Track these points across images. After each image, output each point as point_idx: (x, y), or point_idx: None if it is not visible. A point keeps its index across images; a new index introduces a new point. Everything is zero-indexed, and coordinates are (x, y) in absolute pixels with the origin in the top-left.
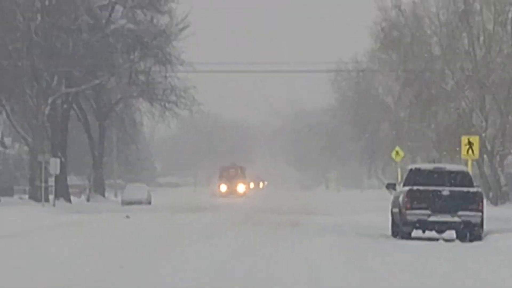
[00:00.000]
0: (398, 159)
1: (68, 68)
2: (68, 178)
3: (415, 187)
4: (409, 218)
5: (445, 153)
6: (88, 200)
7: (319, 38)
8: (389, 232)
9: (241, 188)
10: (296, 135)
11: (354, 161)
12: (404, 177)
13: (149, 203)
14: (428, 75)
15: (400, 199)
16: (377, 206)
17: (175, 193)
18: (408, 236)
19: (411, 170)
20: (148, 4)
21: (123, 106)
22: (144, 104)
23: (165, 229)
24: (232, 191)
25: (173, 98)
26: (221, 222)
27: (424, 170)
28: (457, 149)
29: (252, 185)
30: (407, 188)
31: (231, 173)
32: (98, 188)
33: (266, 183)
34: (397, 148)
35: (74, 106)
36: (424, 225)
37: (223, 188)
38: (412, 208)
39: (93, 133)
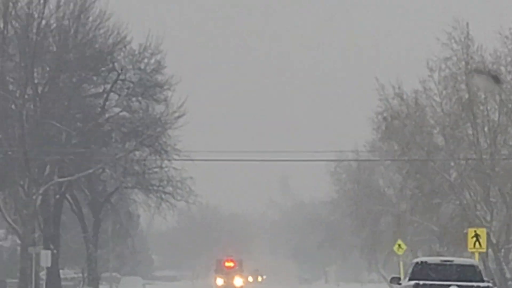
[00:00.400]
0: (400, 252)
1: (61, 157)
2: (62, 271)
3: (421, 282)
4: None
5: (446, 247)
6: None
7: (318, 128)
8: None
9: (238, 282)
10: (295, 228)
11: (354, 255)
12: (409, 271)
13: None
14: (431, 166)
15: None
16: None
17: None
18: None
19: (417, 263)
20: (144, 92)
21: (118, 198)
22: (139, 195)
23: None
24: (228, 285)
25: (169, 189)
26: None
27: (431, 264)
28: (462, 242)
29: (250, 278)
30: (412, 283)
31: (228, 266)
32: (92, 281)
33: (264, 277)
34: (399, 242)
35: (68, 196)
36: None
37: (220, 282)
38: None
39: (87, 224)
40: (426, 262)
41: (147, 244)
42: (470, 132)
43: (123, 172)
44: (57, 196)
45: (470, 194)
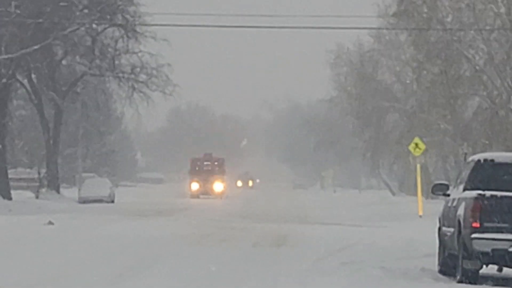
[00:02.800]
0: (417, 153)
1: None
2: (14, 170)
3: (488, 193)
4: (477, 245)
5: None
6: (37, 197)
7: (316, 17)
8: (435, 266)
9: (218, 187)
10: (291, 130)
11: (354, 158)
12: (466, 174)
13: (112, 201)
14: (455, 48)
15: (461, 212)
16: (385, 212)
17: (152, 190)
18: (475, 276)
19: (478, 163)
20: None
21: (84, 86)
22: (110, 85)
23: (85, 249)
24: (206, 190)
25: (143, 77)
26: (174, 236)
27: (502, 164)
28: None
29: (239, 183)
30: (474, 193)
31: (205, 167)
32: (52, 182)
33: (258, 181)
34: (417, 140)
35: (26, 83)
36: (503, 258)
37: (195, 186)
38: (483, 229)
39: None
40: (493, 162)
41: (132, 144)
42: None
43: (91, 57)
44: (3, 80)
45: (503, 84)
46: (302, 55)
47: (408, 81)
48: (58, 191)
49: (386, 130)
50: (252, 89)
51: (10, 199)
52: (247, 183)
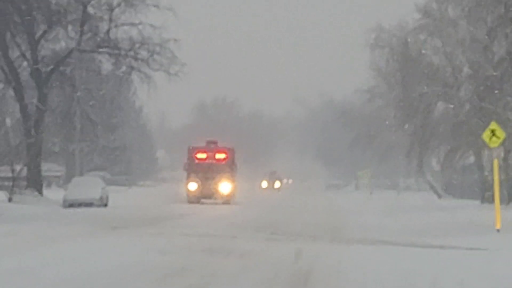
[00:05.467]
0: (494, 143)
1: None
2: None
3: None
4: None
5: None
6: (9, 200)
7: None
8: None
9: (225, 187)
10: (324, 127)
11: (393, 156)
12: None
13: (104, 204)
14: None
15: None
16: (443, 221)
17: (163, 191)
18: None
19: None
20: None
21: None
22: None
23: None
24: (209, 193)
25: (143, 54)
26: (121, 273)
27: None
28: None
29: (265, 184)
30: None
31: (208, 161)
32: (34, 182)
33: (290, 181)
34: (494, 125)
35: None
36: None
37: (193, 186)
38: None
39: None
40: None
41: (152, 141)
42: None
43: (81, 29)
44: None
45: None
46: (337, 45)
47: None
48: (40, 193)
49: (435, 121)
50: (283, 84)
51: None
52: (273, 184)
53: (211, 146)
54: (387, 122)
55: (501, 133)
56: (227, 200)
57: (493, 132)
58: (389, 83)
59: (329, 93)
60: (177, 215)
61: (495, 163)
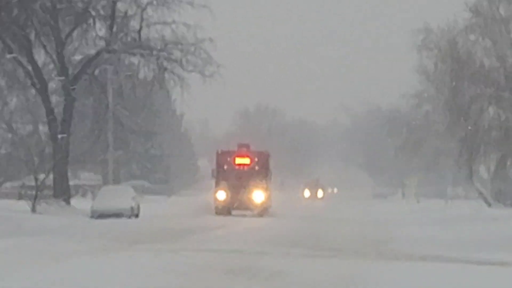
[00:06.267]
0: None
1: None
2: None
3: None
4: None
5: None
6: (33, 210)
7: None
8: None
9: (258, 197)
10: (370, 134)
11: (440, 163)
12: None
13: (136, 215)
14: None
15: None
16: (501, 234)
17: (202, 200)
18: None
19: None
20: None
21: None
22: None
23: None
24: (240, 203)
25: (177, 54)
26: None
27: None
28: None
29: (307, 193)
30: None
31: (239, 167)
32: (60, 191)
33: (336, 190)
34: None
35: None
36: None
37: (221, 196)
38: None
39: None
40: None
41: (193, 149)
42: None
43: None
44: None
45: None
46: (383, 49)
47: None
48: (68, 202)
49: (486, 126)
50: (327, 91)
51: None
52: (316, 193)
53: (243, 150)
54: (435, 128)
55: None
56: (261, 211)
57: None
58: (438, 87)
59: (375, 100)
60: (206, 227)
61: None
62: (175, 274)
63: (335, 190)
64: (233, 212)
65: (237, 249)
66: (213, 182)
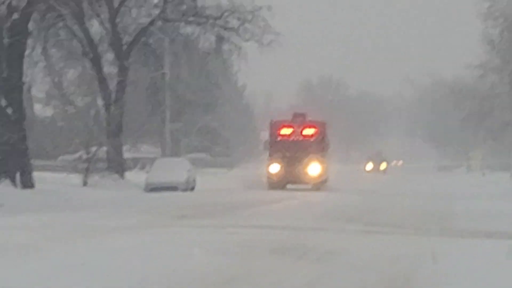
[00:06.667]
0: None
1: None
2: None
3: None
4: None
5: None
6: (84, 183)
7: None
8: None
9: (313, 169)
10: (435, 107)
11: (508, 134)
12: None
13: (191, 188)
14: None
15: None
16: None
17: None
18: None
19: None
20: None
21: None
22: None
23: None
24: (295, 176)
25: (234, 22)
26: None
27: None
28: None
29: (369, 166)
30: None
31: (294, 138)
32: (114, 164)
33: (400, 162)
34: None
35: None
36: None
37: (274, 169)
38: None
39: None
40: None
41: (255, 122)
42: None
43: None
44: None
45: None
46: (446, 18)
47: None
48: (122, 176)
49: None
50: (391, 63)
51: (31, 187)
52: (379, 165)
53: (298, 120)
54: (501, 99)
55: None
56: (317, 185)
57: None
58: (503, 57)
59: (439, 71)
60: (259, 202)
61: None
62: (215, 253)
63: (400, 162)
64: (288, 186)
65: (288, 225)
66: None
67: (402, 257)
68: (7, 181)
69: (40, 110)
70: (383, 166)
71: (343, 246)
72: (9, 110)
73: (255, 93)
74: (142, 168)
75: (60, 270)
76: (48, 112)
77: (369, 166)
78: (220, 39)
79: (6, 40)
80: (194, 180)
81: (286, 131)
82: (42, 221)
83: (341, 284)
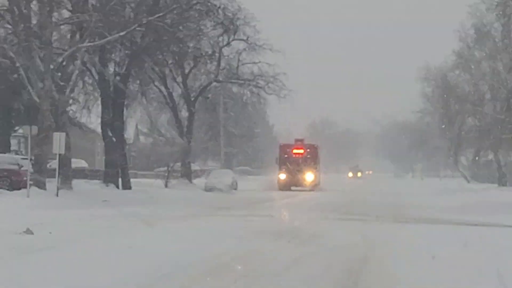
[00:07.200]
0: None
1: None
2: None
3: None
4: None
5: None
6: (166, 185)
7: (407, 45)
8: None
9: (309, 177)
10: (392, 136)
11: (436, 155)
12: None
13: (234, 188)
14: None
15: None
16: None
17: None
18: None
19: None
20: None
21: (213, 91)
22: (232, 89)
23: None
24: (296, 181)
25: (261, 83)
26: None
27: None
28: None
29: (350, 174)
30: None
31: (295, 155)
32: (185, 173)
33: (370, 172)
34: None
35: (164, 90)
36: None
37: (282, 176)
38: None
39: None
40: None
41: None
42: None
43: (217, 65)
44: (118, 78)
45: None
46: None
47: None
48: (190, 181)
49: (466, 130)
50: (365, 109)
51: (129, 188)
52: (357, 174)
53: (298, 144)
54: (432, 132)
55: None
56: (312, 187)
57: None
58: (434, 106)
59: (395, 114)
60: (273, 198)
61: None
62: (231, 237)
63: (370, 172)
64: (292, 188)
65: (289, 214)
66: (277, 167)
67: (365, 238)
68: (112, 185)
69: (144, 139)
70: (359, 174)
71: (324, 230)
72: (114, 139)
73: (280, 129)
74: (206, 176)
75: (126, 245)
76: (149, 140)
77: (350, 174)
78: (252, 94)
79: (111, 95)
80: (236, 183)
81: (290, 151)
82: (133, 211)
83: (318, 260)
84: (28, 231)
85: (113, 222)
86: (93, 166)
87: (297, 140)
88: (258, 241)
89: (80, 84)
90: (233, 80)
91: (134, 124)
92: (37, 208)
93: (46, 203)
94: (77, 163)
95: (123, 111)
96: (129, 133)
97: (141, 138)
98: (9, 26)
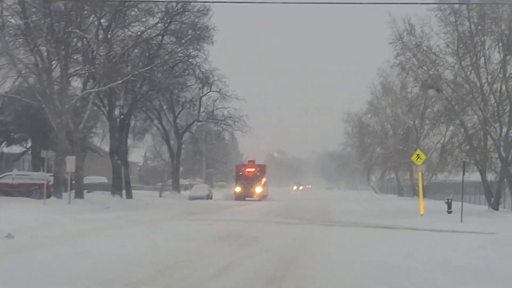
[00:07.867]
0: (419, 162)
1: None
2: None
3: None
4: None
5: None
6: (160, 195)
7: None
8: None
9: (258, 190)
10: (324, 162)
11: (355, 174)
12: None
13: (210, 198)
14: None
15: None
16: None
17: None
18: None
19: None
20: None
21: (196, 128)
22: (210, 127)
23: None
24: (248, 193)
25: (229, 122)
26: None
27: None
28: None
29: (294, 187)
30: None
31: (248, 173)
32: (175, 187)
33: (309, 186)
34: (419, 151)
35: (160, 127)
36: None
37: (238, 189)
38: None
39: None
40: None
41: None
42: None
43: (198, 110)
44: (122, 117)
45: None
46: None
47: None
48: (179, 192)
49: (375, 157)
50: (306, 142)
51: (131, 198)
52: (299, 187)
53: (250, 164)
54: (352, 158)
55: (423, 156)
56: (261, 198)
57: (418, 155)
58: (353, 140)
59: (327, 146)
60: (232, 205)
61: (420, 174)
62: (185, 239)
63: (309, 186)
64: (246, 199)
65: (241, 219)
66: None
67: (299, 238)
68: (118, 195)
69: (151, 162)
70: (301, 187)
71: (264, 233)
72: (119, 161)
73: (248, 155)
74: (190, 188)
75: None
76: (153, 164)
77: (294, 188)
78: (223, 130)
79: (117, 129)
80: (211, 194)
81: (244, 169)
82: (124, 215)
83: (254, 262)
84: (9, 236)
85: (96, 225)
86: (110, 181)
87: (249, 161)
88: (205, 243)
89: (92, 120)
90: (210, 120)
91: (144, 152)
92: (45, 213)
93: (57, 209)
94: (98, 179)
95: (127, 141)
96: (139, 157)
97: (149, 162)
98: (35, 76)
